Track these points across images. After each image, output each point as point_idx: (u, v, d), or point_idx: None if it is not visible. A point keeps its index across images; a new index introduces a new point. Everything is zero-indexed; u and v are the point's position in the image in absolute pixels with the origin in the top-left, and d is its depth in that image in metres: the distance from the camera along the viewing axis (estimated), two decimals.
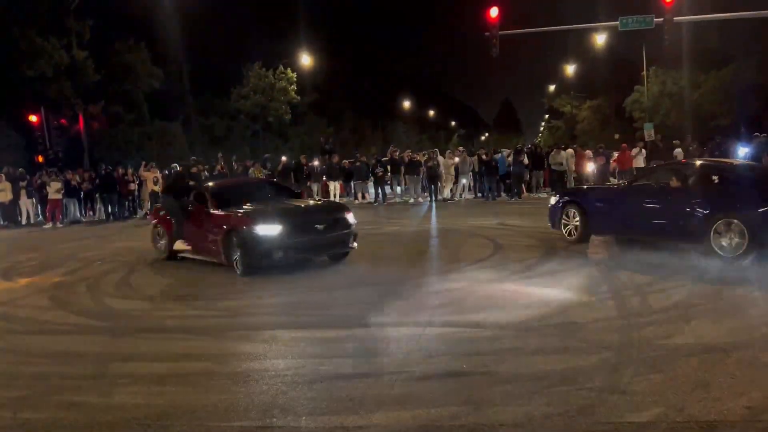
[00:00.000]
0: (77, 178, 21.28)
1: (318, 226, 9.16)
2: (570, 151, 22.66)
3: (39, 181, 20.94)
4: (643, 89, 42.78)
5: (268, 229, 8.67)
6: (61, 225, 19.81)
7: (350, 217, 9.70)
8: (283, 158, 23.87)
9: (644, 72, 41.36)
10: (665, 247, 9.71)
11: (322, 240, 9.23)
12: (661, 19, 21.29)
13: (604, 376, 4.46)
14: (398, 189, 23.49)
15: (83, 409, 4.39)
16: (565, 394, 4.17)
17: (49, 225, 19.72)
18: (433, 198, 21.32)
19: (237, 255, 8.89)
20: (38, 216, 21.03)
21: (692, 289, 6.92)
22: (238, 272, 8.86)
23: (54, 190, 20.07)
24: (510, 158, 21.88)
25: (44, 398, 4.64)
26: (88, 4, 27.85)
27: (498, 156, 22.37)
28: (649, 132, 28.86)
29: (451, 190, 22.25)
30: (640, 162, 19.96)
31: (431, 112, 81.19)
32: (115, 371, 5.19)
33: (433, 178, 21.72)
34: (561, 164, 21.46)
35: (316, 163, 23.49)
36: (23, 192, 20.51)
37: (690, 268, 8.04)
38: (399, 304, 7.00)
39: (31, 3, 30.57)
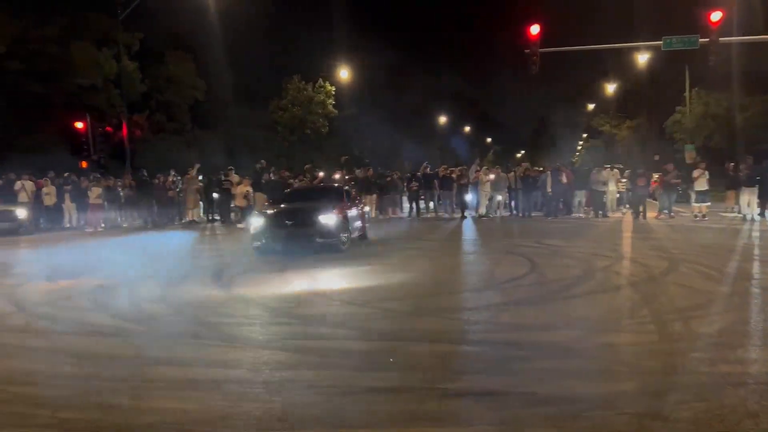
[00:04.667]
0: (118, 184, 21.79)
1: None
2: (614, 170, 22.34)
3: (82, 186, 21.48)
4: (685, 110, 42.03)
5: None
6: (102, 229, 20.27)
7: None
8: (321, 173, 24.03)
9: (687, 93, 40.64)
10: (708, 272, 9.50)
11: None
12: (707, 39, 20.91)
13: (645, 402, 4.32)
14: (431, 204, 23.46)
15: (120, 412, 4.43)
16: (606, 419, 4.05)
17: (91, 229, 20.20)
18: (465, 214, 21.29)
19: None
20: (80, 220, 21.54)
21: (737, 316, 6.72)
22: None
23: (95, 195, 20.58)
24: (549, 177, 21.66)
25: (82, 399, 4.70)
26: (137, 17, 28.68)
27: (543, 175, 22.09)
28: (689, 154, 28.34)
29: (487, 207, 22.13)
30: (703, 185, 19.30)
31: (467, 128, 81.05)
32: (151, 375, 5.23)
33: (464, 194, 21.71)
34: (604, 183, 21.16)
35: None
36: (67, 196, 21.05)
37: (734, 294, 7.82)
38: (432, 320, 6.94)
39: (88, 17, 31.82)
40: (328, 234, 12.21)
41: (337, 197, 14.17)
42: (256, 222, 12.59)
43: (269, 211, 12.97)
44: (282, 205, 13.56)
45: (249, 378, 5.08)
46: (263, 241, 12.23)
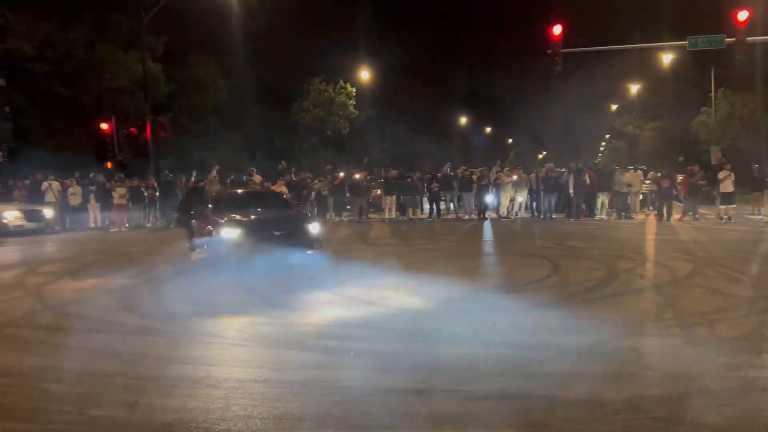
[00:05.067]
0: (142, 184, 22.06)
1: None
2: (638, 172, 22.11)
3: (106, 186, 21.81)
4: (711, 111, 41.42)
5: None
6: (126, 229, 20.54)
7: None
8: (341, 174, 24.04)
9: (712, 93, 40.04)
10: (733, 275, 9.36)
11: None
12: (733, 39, 20.59)
13: (671, 406, 4.28)
14: (451, 205, 23.40)
15: (145, 410, 4.50)
16: (630, 423, 4.02)
17: (115, 229, 20.48)
18: (484, 216, 21.32)
19: None
20: (105, 220, 21.82)
21: (763, 319, 6.61)
22: None
23: (119, 195, 20.88)
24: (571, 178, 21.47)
25: (109, 396, 4.78)
26: (161, 20, 29.06)
27: (564, 176, 21.88)
28: (716, 155, 27.95)
29: (507, 208, 22.03)
30: (729, 187, 18.98)
31: (488, 129, 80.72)
32: (175, 373, 5.30)
33: (484, 195, 21.68)
34: (629, 185, 20.96)
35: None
36: (92, 196, 21.36)
37: (760, 297, 7.70)
38: (453, 322, 6.93)
39: (113, 20, 32.40)
40: (316, 245, 10.97)
41: (286, 204, 13.18)
42: (230, 233, 10.42)
43: (242, 221, 10.90)
44: (251, 215, 11.26)
45: (271, 378, 5.13)
46: (240, 253, 10.13)
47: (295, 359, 5.67)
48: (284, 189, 20.39)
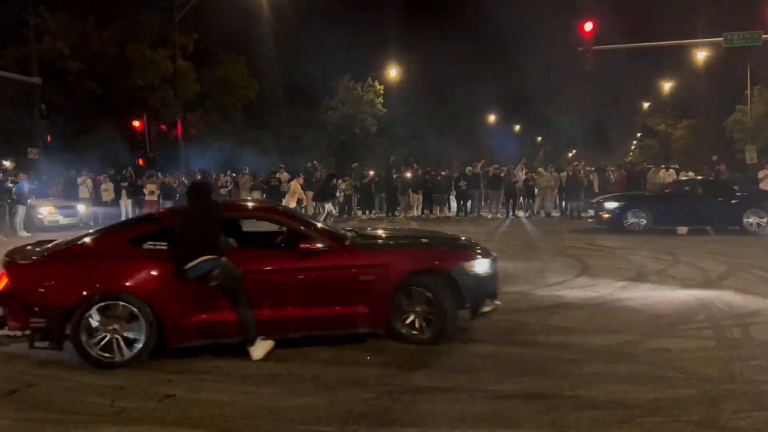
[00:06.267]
0: (173, 180, 22.39)
1: None
2: (670, 171, 21.76)
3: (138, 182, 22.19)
4: (746, 109, 40.51)
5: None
6: None
7: None
8: (371, 172, 23.99)
9: (748, 91, 39.16)
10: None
11: None
12: None
13: (701, 409, 4.21)
14: (481, 203, 23.28)
15: (174, 403, 4.57)
16: (659, 426, 3.96)
17: None
18: (516, 213, 21.14)
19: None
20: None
21: None
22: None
23: (149, 191, 21.22)
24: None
25: (139, 389, 4.87)
26: (191, 18, 29.44)
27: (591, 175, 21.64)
28: (750, 154, 27.29)
29: (537, 207, 21.87)
30: None
31: (517, 127, 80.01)
32: (204, 368, 5.37)
33: (511, 194, 21.52)
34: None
35: (408, 175, 23.27)
36: (123, 192, 21.75)
37: None
38: (481, 321, 6.87)
39: (144, 19, 32.95)
40: None
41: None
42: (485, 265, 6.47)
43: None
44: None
45: (300, 373, 5.17)
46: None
47: (322, 355, 5.69)
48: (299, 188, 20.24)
